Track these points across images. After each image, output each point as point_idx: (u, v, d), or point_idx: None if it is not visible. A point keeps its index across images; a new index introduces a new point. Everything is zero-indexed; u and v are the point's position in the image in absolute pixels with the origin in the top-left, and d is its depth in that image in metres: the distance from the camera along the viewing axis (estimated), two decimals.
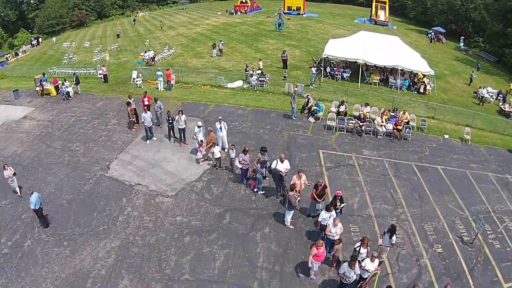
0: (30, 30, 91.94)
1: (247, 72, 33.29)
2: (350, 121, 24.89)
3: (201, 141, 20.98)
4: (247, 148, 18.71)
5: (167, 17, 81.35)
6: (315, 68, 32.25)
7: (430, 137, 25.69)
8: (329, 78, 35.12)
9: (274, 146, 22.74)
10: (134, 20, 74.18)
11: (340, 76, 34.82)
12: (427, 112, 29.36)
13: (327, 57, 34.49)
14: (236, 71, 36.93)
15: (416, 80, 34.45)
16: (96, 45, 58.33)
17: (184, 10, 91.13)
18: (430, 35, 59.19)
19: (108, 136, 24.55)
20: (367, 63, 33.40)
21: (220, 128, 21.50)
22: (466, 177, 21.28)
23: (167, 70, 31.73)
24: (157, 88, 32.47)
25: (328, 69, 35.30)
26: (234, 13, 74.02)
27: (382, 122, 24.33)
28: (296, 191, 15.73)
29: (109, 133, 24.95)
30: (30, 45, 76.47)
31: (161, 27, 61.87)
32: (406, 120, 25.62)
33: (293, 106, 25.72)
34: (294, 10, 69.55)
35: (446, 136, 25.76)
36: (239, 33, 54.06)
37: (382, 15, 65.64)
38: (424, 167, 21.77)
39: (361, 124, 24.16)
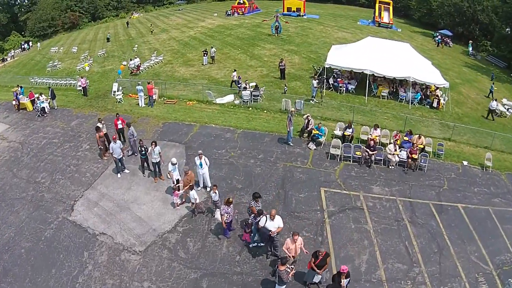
0: (23, 33, 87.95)
1: (239, 85, 29.10)
2: (358, 149, 20.88)
3: (177, 181, 17.12)
4: (231, 199, 15.06)
5: (161, 18, 77.52)
6: (317, 81, 27.92)
7: (448, 164, 21.98)
8: (332, 90, 31.38)
9: (267, 182, 19.06)
10: (127, 23, 69.81)
11: (344, 88, 30.96)
12: (443, 132, 25.65)
13: (330, 66, 30.23)
14: (228, 81, 33.04)
15: (428, 92, 30.51)
16: (84, 50, 54.72)
17: (180, 11, 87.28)
18: (437, 38, 55.49)
19: (77, 166, 21.23)
20: (375, 74, 29.09)
21: (200, 164, 17.78)
22: (489, 217, 17.90)
23: (149, 83, 27.64)
24: (138, 104, 28.78)
25: (331, 80, 31.23)
26: (231, 15, 69.87)
27: (395, 150, 20.44)
28: (288, 265, 11.83)
29: (79, 162, 21.61)
30: (20, 49, 72.64)
31: (152, 31, 57.71)
32: (422, 146, 21.80)
33: (289, 129, 21.92)
34: (294, 11, 65.72)
35: (465, 163, 22.11)
36: (235, 37, 50.11)
37: (386, 17, 62.07)
38: (443, 207, 18.22)
39: (370, 153, 19.92)
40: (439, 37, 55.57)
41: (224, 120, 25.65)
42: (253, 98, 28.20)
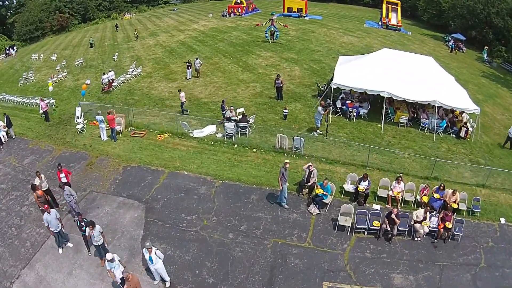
0: (11, 37, 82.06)
1: (224, 112, 22.97)
2: (376, 217, 15.42)
3: (122, 280, 12.22)
4: None
5: (153, 20, 71.41)
6: (323, 108, 21.65)
7: (483, 225, 16.59)
8: (339, 115, 25.46)
9: (249, 274, 13.70)
10: (116, 26, 63.60)
11: (355, 114, 24.97)
12: (474, 174, 19.88)
13: (337, 87, 24.30)
14: (212, 103, 27.61)
15: (455, 119, 24.64)
16: (65, 58, 48.88)
17: (175, 11, 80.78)
18: (450, 43, 49.74)
19: (19, 229, 16.44)
20: (394, 98, 23.24)
21: (150, 259, 11.71)
22: None
23: (109, 113, 21.82)
24: (100, 136, 23.35)
25: (338, 103, 25.42)
26: (227, 15, 63.36)
27: (425, 220, 15.23)
28: None
29: (21, 222, 16.83)
30: (4, 54, 66.63)
31: (136, 37, 51.43)
32: (456, 206, 16.44)
33: (282, 187, 15.82)
34: (295, 12, 59.54)
35: (503, 221, 16.84)
36: (228, 42, 44.06)
37: (394, 18, 56.11)
38: None
39: (393, 225, 14.56)
40: (452, 41, 49.95)
41: (201, 164, 19.67)
42: (240, 131, 21.83)
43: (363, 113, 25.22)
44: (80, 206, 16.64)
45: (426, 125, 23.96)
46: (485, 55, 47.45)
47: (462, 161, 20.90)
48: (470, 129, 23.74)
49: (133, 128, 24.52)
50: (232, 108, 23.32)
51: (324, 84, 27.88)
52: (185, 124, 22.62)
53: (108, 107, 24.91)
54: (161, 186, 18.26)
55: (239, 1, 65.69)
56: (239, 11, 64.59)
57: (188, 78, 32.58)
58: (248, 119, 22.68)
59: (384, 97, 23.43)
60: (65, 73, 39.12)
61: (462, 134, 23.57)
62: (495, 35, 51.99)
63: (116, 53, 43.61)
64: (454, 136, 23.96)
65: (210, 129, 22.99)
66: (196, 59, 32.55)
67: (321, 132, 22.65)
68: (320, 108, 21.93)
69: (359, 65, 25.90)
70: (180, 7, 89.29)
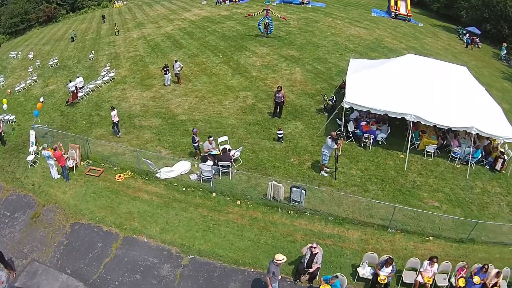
0: None
1: (195, 144, 16.91)
2: None
3: None
4: None
5: (144, 8, 64.74)
6: (333, 140, 15.38)
7: None
8: (352, 141, 19.26)
9: None
10: (103, 17, 56.68)
11: (372, 140, 18.96)
12: None
13: (350, 107, 18.26)
14: (191, 122, 21.90)
15: (491, 147, 18.76)
16: (42, 55, 43.12)
17: None
18: (465, 37, 43.50)
19: None
20: (422, 121, 17.46)
21: None
22: None
23: (55, 149, 16.72)
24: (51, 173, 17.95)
25: (351, 126, 19.49)
26: (223, 2, 56.26)
27: None
28: None
29: None
30: None
31: (116, 32, 44.60)
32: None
33: (272, 286, 9.26)
34: None
35: None
36: (219, 35, 37.65)
37: (403, 7, 49.68)
38: None
39: None
40: (467, 35, 43.75)
41: (166, 225, 14.08)
42: (222, 170, 15.97)
43: (382, 138, 19.16)
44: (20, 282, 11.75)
45: (458, 155, 18.24)
46: (504, 52, 41.69)
47: (499, 206, 15.74)
48: (506, 157, 18.06)
49: (90, 161, 18.87)
50: (211, 139, 17.04)
51: (332, 97, 21.37)
52: (149, 162, 16.41)
53: (44, 146, 18.98)
54: (113, 260, 12.71)
55: None
56: None
57: (166, 84, 26.19)
58: (233, 154, 16.28)
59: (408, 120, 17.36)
60: (35, 77, 32.75)
61: (498, 166, 17.97)
62: (511, 29, 46.45)
63: (93, 52, 37.30)
64: (488, 167, 18.35)
65: (183, 167, 16.97)
66: (176, 61, 26.14)
67: (328, 169, 16.31)
68: (329, 140, 15.81)
69: (377, 75, 19.73)
70: None
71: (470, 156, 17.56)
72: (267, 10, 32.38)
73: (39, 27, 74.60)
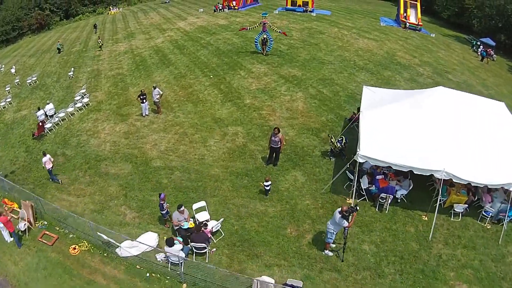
0: None
1: (163, 212, 12.43)
2: None
3: None
4: None
5: (139, 15, 60.20)
6: (342, 216, 10.59)
7: None
8: (365, 199, 14.71)
9: None
10: (95, 26, 51.86)
11: (390, 199, 14.20)
12: None
13: (366, 161, 13.18)
14: (167, 169, 17.60)
15: None
16: (25, 70, 39.09)
17: (167, 3, 68.89)
18: (480, 49, 38.95)
19: None
20: (454, 179, 12.88)
21: None
22: None
23: (0, 215, 11.11)
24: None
25: (364, 183, 14.93)
26: (221, 10, 51.38)
27: None
28: None
29: None
30: None
31: (100, 46, 39.68)
32: None
33: None
34: (299, 6, 47.46)
35: None
36: (213, 50, 32.77)
37: (413, 16, 45.07)
38: None
39: None
40: (482, 47, 39.26)
41: None
42: (196, 251, 11.19)
43: (401, 195, 14.67)
44: None
45: (490, 214, 13.99)
46: None
47: None
48: None
49: (45, 223, 14.85)
50: (182, 209, 12.35)
51: (341, 138, 16.31)
52: (105, 238, 11.97)
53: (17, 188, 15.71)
54: None
55: None
56: (235, 4, 52.01)
57: (144, 115, 21.28)
58: (210, 230, 11.64)
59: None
60: (9, 99, 28.59)
61: None
62: None
63: (73, 69, 32.48)
64: None
65: (149, 241, 12.17)
66: (154, 88, 21.18)
67: (334, 246, 11.56)
68: (338, 215, 11.40)
69: (399, 116, 14.90)
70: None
71: (506, 215, 13.66)
72: (264, 23, 27.28)
73: (31, 35, 70.45)
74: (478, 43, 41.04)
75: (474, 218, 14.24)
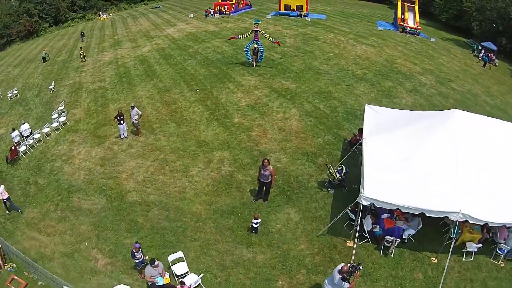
0: None
1: (137, 261, 11.42)
2: None
3: None
4: None
5: (129, 21, 57.77)
6: (342, 277, 8.00)
7: None
8: (367, 241, 12.44)
9: None
10: (82, 35, 49.18)
11: (396, 242, 12.03)
12: None
13: (371, 204, 11.06)
14: (143, 206, 15.58)
15: None
16: (5, 83, 36.72)
17: (157, 9, 66.22)
18: (481, 54, 36.92)
19: None
20: (471, 220, 10.81)
21: None
22: None
23: None
24: None
25: (367, 224, 12.77)
26: (213, 15, 48.80)
27: None
28: None
29: None
30: None
31: (83, 58, 37.07)
32: None
33: None
34: (293, 10, 44.83)
35: None
36: (201, 59, 30.57)
37: (411, 19, 42.96)
38: None
39: None
40: (483, 52, 37.21)
41: None
42: None
43: (409, 236, 12.61)
44: None
45: (504, 252, 12.06)
46: None
47: None
48: None
49: (14, 265, 13.24)
50: (156, 263, 10.33)
51: (341, 167, 13.90)
52: None
53: None
54: None
55: None
56: (226, 9, 49.50)
57: (122, 137, 18.85)
58: (188, 287, 9.41)
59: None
60: None
61: None
62: None
63: (53, 82, 30.04)
64: None
65: None
66: (132, 107, 18.70)
67: None
68: (337, 276, 9.44)
69: (407, 146, 12.53)
70: (165, 4, 74.55)
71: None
72: (256, 31, 24.78)
73: (20, 43, 67.70)
74: (480, 47, 38.86)
75: (487, 255, 12.37)
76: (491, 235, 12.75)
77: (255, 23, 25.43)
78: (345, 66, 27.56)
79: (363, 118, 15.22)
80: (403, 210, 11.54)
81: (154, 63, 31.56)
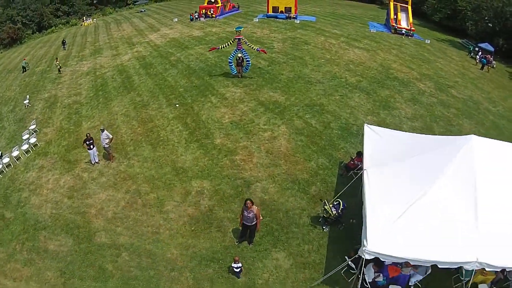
0: None
1: None
2: None
3: None
4: None
5: (112, 26, 54.85)
6: None
7: None
8: None
9: None
10: (63, 43, 46.35)
11: None
12: None
13: (374, 259, 8.87)
14: (112, 250, 13.37)
15: None
16: None
17: (142, 12, 63.82)
18: (478, 56, 35.23)
19: None
20: (487, 268, 8.83)
21: None
22: None
23: None
24: None
25: (369, 275, 10.50)
26: (197, 18, 46.38)
27: None
28: None
29: None
30: None
31: (59, 69, 34.42)
32: None
33: None
34: (281, 12, 42.43)
35: None
36: (183, 68, 28.56)
37: (404, 20, 41.25)
38: None
39: None
40: (481, 53, 35.62)
41: None
42: None
43: (415, 282, 10.58)
44: None
45: None
46: None
47: None
48: None
49: None
50: None
51: (337, 202, 11.77)
52: None
53: None
54: None
55: (212, 0, 48.47)
56: (212, 12, 47.08)
57: (93, 162, 16.50)
58: None
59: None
60: None
61: None
62: None
63: (28, 97, 27.56)
64: None
65: None
66: (102, 130, 16.39)
67: None
68: None
69: (416, 183, 10.21)
70: (150, 7, 71.91)
71: None
72: (239, 39, 22.42)
73: (3, 51, 64.84)
74: (477, 48, 37.05)
75: None
76: (505, 273, 10.82)
77: (236, 30, 23.05)
78: (338, 73, 25.34)
79: (362, 140, 12.99)
80: (412, 263, 9.29)
81: (133, 73, 29.13)
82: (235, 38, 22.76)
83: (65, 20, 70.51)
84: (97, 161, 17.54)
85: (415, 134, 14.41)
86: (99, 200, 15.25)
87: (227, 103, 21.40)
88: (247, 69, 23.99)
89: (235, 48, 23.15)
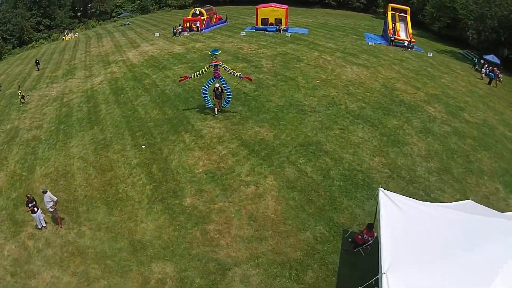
0: None
1: None
2: None
3: None
4: None
5: (92, 41, 50.84)
6: None
7: None
8: None
9: None
10: (36, 63, 41.88)
11: None
12: None
13: None
14: None
15: None
16: None
17: (126, 25, 59.85)
18: (484, 69, 31.94)
19: None
20: None
21: None
22: None
23: None
24: None
25: None
26: (181, 33, 42.31)
27: None
28: None
29: None
30: None
31: (22, 99, 29.87)
32: None
33: None
34: (271, 24, 38.64)
35: None
36: (156, 95, 24.84)
37: (403, 31, 37.76)
38: None
39: None
40: (487, 66, 32.24)
41: None
42: None
43: None
44: None
45: None
46: None
47: None
48: None
49: None
50: None
51: None
52: None
53: None
54: None
55: (197, 12, 44.47)
56: (198, 25, 43.05)
57: (40, 227, 12.68)
58: None
59: None
60: None
61: None
62: None
63: None
64: None
65: None
66: (44, 192, 12.45)
67: None
68: None
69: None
70: (135, 20, 67.81)
71: None
72: (216, 65, 18.19)
73: None
74: (482, 61, 33.78)
75: None
76: None
77: (212, 53, 18.79)
78: (336, 98, 21.39)
79: (377, 212, 8.92)
80: None
81: (102, 100, 25.08)
82: (211, 64, 18.48)
83: (46, 34, 66.28)
84: (44, 225, 13.65)
85: (442, 205, 10.35)
86: (43, 283, 11.24)
87: (203, 143, 17.28)
88: (227, 103, 19.71)
89: (212, 77, 18.87)
